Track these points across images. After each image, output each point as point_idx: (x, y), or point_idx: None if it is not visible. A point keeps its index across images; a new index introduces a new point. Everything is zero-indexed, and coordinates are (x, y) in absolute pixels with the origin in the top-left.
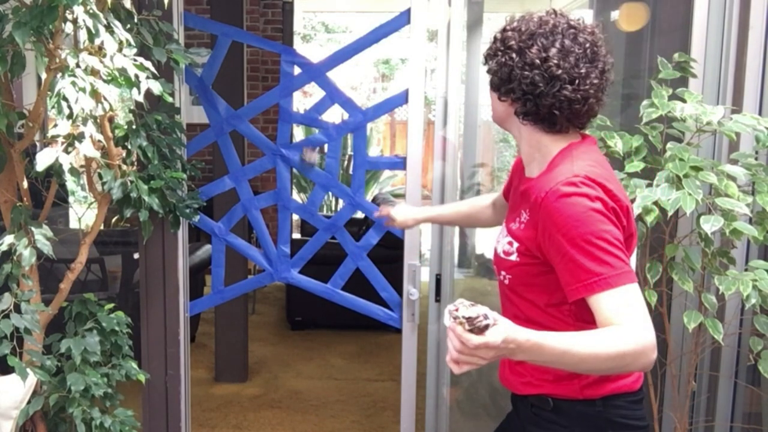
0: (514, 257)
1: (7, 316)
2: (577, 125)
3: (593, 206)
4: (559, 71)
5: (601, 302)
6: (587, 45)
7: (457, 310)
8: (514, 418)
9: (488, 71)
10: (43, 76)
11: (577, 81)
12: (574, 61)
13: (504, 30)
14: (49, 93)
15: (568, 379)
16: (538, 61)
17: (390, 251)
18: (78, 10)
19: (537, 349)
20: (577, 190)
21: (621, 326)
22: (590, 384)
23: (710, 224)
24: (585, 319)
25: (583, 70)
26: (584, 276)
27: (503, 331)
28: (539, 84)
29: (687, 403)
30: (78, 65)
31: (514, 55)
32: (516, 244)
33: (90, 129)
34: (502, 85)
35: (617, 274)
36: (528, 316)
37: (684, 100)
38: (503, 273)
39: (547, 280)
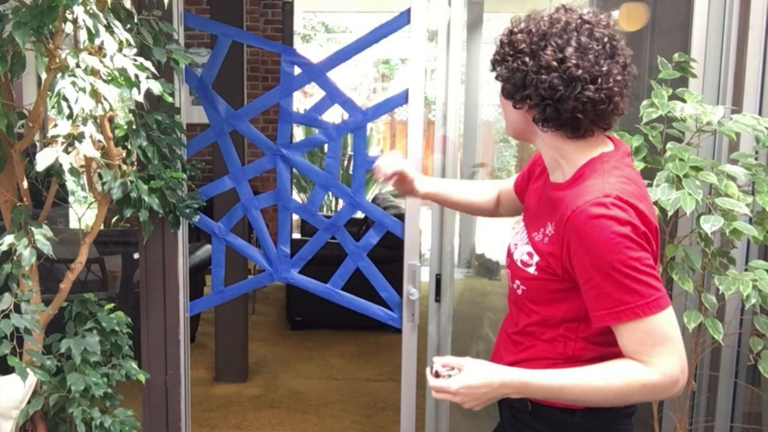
0: (531, 270)
1: (7, 316)
2: (602, 127)
3: (623, 231)
4: (579, 71)
5: (626, 333)
6: (605, 40)
7: (436, 371)
8: (501, 425)
9: (497, 78)
10: (43, 76)
11: (599, 80)
12: (593, 59)
13: (511, 33)
14: (49, 93)
15: None
16: (554, 63)
17: (390, 251)
18: (78, 10)
19: (524, 387)
20: (608, 212)
21: (633, 362)
22: None
23: (710, 224)
24: (593, 341)
25: (604, 68)
26: (611, 304)
27: (462, 379)
28: (559, 87)
29: (687, 403)
30: (78, 65)
31: (527, 59)
32: (536, 258)
33: (90, 129)
34: (516, 92)
35: (646, 303)
36: (532, 332)
37: (684, 100)
38: (518, 282)
39: (565, 296)
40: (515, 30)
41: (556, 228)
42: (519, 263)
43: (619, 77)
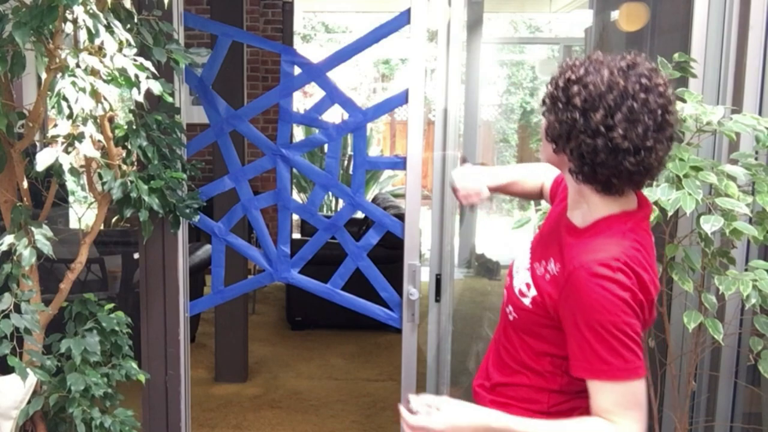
0: (527, 301)
1: (7, 316)
2: (633, 189)
3: (622, 295)
4: (626, 143)
5: (601, 391)
6: (658, 112)
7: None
8: None
9: (544, 115)
10: (43, 76)
11: (642, 152)
12: (642, 132)
13: (569, 80)
14: (49, 93)
15: (537, 413)
16: (602, 128)
17: (390, 251)
18: (78, 10)
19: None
20: (611, 275)
21: (605, 422)
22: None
23: (710, 224)
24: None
25: (649, 143)
26: (593, 360)
27: (446, 419)
28: (601, 153)
29: (687, 403)
30: (78, 65)
31: (577, 116)
32: (533, 292)
33: (90, 129)
34: (559, 139)
35: (626, 369)
36: (521, 359)
37: (684, 100)
38: (510, 308)
39: (554, 334)
40: (573, 77)
41: (560, 272)
42: (516, 291)
43: (661, 153)
